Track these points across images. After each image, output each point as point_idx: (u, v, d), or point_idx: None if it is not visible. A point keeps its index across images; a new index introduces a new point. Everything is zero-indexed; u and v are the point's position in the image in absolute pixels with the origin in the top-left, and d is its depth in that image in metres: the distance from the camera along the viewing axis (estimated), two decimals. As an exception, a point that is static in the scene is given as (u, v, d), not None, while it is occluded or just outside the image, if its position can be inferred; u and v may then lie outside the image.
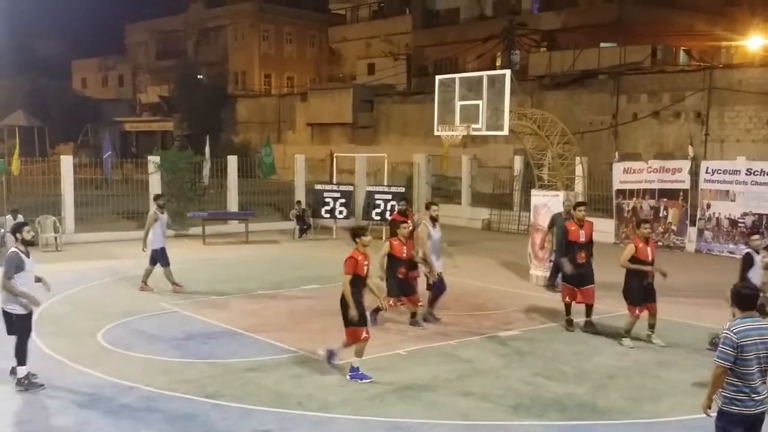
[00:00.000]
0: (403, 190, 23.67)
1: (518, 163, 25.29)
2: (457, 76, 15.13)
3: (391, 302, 11.21)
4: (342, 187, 24.13)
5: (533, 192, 16.05)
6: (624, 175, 21.75)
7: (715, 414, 5.85)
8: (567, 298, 11.79)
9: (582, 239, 11.63)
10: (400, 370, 9.55)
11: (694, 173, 20.55)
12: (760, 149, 25.84)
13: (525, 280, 15.81)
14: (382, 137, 41.10)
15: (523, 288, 15.17)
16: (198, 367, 9.70)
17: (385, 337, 11.18)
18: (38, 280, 9.45)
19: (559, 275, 12.53)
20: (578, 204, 12.30)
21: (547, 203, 15.35)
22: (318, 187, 24.39)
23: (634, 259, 10.64)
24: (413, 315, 11.84)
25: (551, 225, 14.47)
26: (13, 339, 9.00)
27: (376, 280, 9.71)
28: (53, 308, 13.03)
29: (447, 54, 42.98)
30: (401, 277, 11.32)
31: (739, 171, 19.72)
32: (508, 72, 14.34)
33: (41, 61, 62.58)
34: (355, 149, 34.90)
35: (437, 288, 12.09)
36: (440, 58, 44.05)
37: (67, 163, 22.13)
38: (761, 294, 6.76)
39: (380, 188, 23.88)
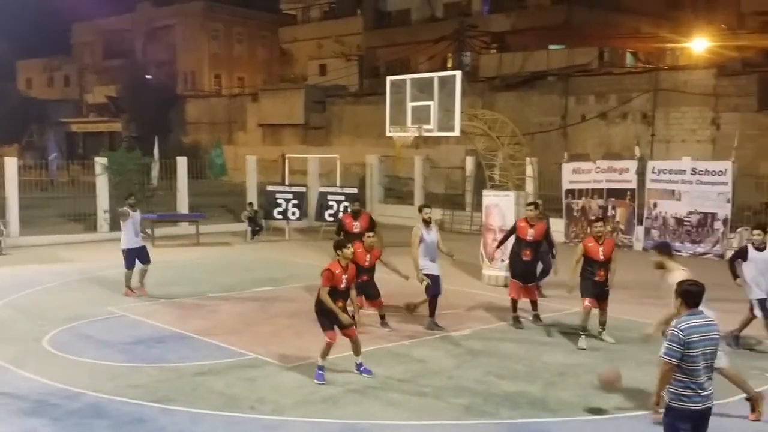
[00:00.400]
0: (356, 191, 23.63)
1: (470, 163, 25.46)
2: (408, 77, 15.15)
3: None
4: (294, 188, 23.98)
5: (485, 192, 16.15)
6: (573, 175, 22.05)
7: (663, 410, 5.95)
8: (513, 295, 11.99)
9: (529, 238, 11.90)
10: (354, 372, 9.51)
11: (641, 173, 20.92)
12: (705, 149, 26.48)
13: (477, 279, 15.91)
14: (334, 138, 41.02)
15: (475, 287, 15.26)
16: (147, 371, 9.53)
17: (339, 338, 11.11)
18: None
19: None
20: (528, 204, 12.47)
21: (498, 203, 15.47)
22: (270, 188, 24.20)
23: (585, 259, 10.80)
24: (382, 317, 11.73)
25: None
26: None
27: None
28: (-4, 314, 12.69)
29: (399, 55, 43.09)
30: (362, 282, 11.08)
31: (685, 171, 20.15)
32: (458, 73, 14.41)
33: (-17, 61, 61.02)
34: (307, 150, 34.75)
35: (432, 291, 11.80)
36: (392, 59, 44.14)
37: (11, 164, 21.57)
38: None
39: (333, 189, 23.81)
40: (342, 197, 22.86)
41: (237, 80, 60.47)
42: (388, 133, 15.32)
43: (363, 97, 40.97)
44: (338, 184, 24.35)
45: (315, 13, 55.08)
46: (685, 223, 20.00)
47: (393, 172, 28.45)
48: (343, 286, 9.07)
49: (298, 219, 23.62)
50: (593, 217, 14.18)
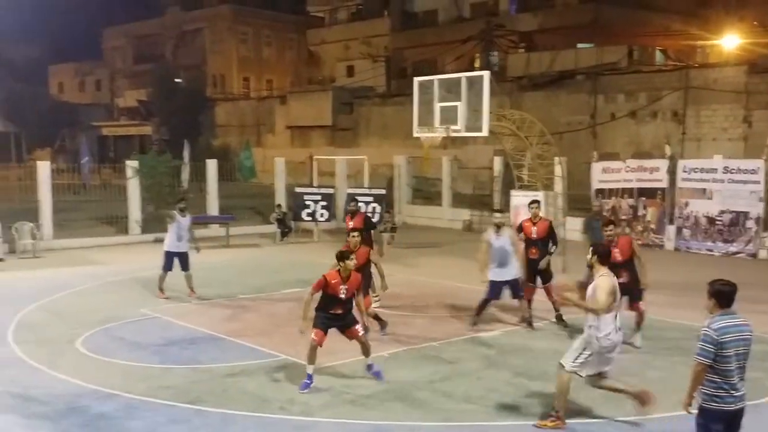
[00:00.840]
0: (383, 191, 23.68)
1: (498, 163, 25.37)
2: (436, 77, 15.17)
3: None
4: (322, 190, 24.08)
5: (513, 192, 16.11)
6: (603, 175, 21.89)
7: (696, 411, 5.89)
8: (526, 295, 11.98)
9: (534, 236, 11.92)
10: (383, 373, 9.52)
11: (672, 172, 20.72)
12: (736, 147, 26.11)
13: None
14: (362, 139, 41.09)
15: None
16: (179, 373, 9.63)
17: (368, 340, 11.15)
18: None
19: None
20: (531, 202, 12.50)
21: (527, 203, 15.39)
22: (298, 189, 24.31)
23: None
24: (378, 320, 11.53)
25: (587, 228, 14.25)
26: None
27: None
28: (31, 316, 12.91)
29: (426, 56, 43.05)
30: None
31: (716, 169, 19.91)
32: (486, 73, 14.40)
33: (17, 66, 62.01)
34: (335, 152, 34.86)
35: (485, 295, 11.73)
36: (419, 59, 44.11)
37: (44, 168, 21.91)
38: None
39: (361, 190, 23.84)
40: (370, 198, 22.90)
41: (265, 83, 60.83)
42: (415, 134, 15.34)
43: (390, 98, 40.98)
44: (366, 186, 24.40)
45: (342, 15, 55.19)
46: (717, 222, 19.75)
47: (421, 172, 28.44)
48: (342, 295, 8.97)
49: (327, 220, 23.70)
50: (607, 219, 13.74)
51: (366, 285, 11.51)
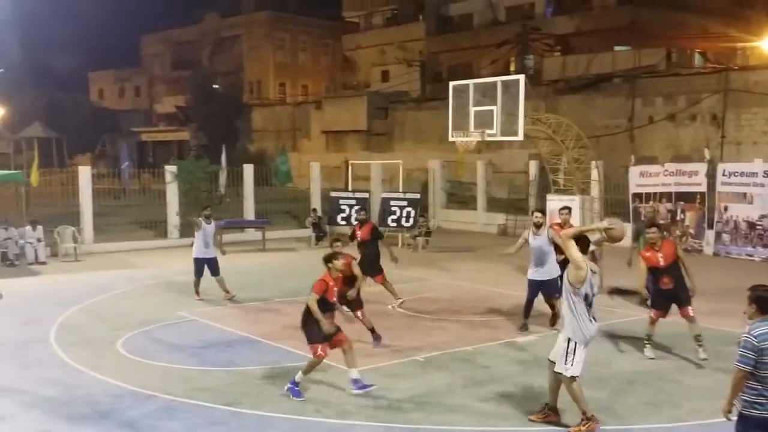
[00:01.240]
0: (418, 196, 23.71)
1: (533, 167, 25.24)
2: (471, 81, 15.18)
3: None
4: (357, 194, 24.18)
5: (549, 197, 16.02)
6: (640, 179, 21.65)
7: (736, 418, 5.81)
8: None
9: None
10: (417, 377, 9.55)
11: (711, 176, 20.42)
12: (778, 151, 25.67)
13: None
14: (396, 144, 41.15)
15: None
16: (216, 374, 9.75)
17: (402, 343, 11.19)
18: None
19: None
20: (562, 208, 12.34)
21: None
22: (333, 194, 24.45)
23: (648, 269, 10.37)
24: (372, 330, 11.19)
25: (637, 236, 13.67)
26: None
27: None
28: (73, 318, 13.17)
29: (461, 60, 43.02)
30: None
31: (756, 173, 19.58)
32: (522, 77, 14.37)
33: (58, 73, 63.46)
34: (369, 156, 34.97)
35: (526, 296, 11.75)
36: (454, 64, 44.10)
37: (85, 173, 22.32)
38: None
39: (395, 195, 23.92)
40: (405, 203, 22.96)
41: (301, 88, 61.22)
42: (450, 138, 15.35)
43: (425, 103, 41.01)
44: (401, 190, 24.43)
45: (377, 20, 55.37)
46: (758, 226, 19.42)
47: (455, 177, 28.39)
48: (334, 299, 9.00)
49: (361, 225, 23.75)
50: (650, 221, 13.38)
51: (375, 269, 11.92)
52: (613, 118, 31.22)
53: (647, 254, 10.39)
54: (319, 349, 8.72)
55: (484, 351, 10.84)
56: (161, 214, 23.53)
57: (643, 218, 21.37)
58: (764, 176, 19.37)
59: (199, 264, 14.48)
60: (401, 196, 23.59)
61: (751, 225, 19.55)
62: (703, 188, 20.46)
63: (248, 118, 53.53)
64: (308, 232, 23.76)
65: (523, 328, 11.79)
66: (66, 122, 54.14)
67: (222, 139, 39.34)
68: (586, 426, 7.65)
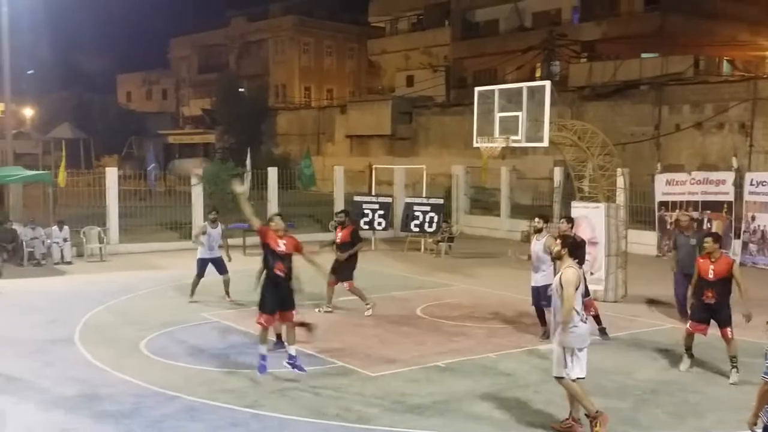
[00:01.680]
0: (441, 201, 23.67)
1: (558, 174, 25.10)
2: (496, 87, 15.07)
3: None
4: (381, 199, 24.19)
5: (574, 204, 15.88)
6: (667, 187, 21.45)
7: (760, 431, 5.74)
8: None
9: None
10: (438, 383, 9.53)
11: (739, 185, 20.19)
12: (807, 160, 25.34)
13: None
14: (420, 149, 41.14)
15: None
16: (238, 376, 9.80)
17: (423, 349, 11.18)
18: None
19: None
20: (564, 218, 12.34)
21: (588, 215, 15.19)
22: (357, 198, 24.48)
23: (698, 277, 10.09)
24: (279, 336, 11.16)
25: (675, 245, 13.19)
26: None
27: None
28: (97, 318, 13.29)
29: (486, 65, 42.92)
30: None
31: (785, 183, 19.33)
32: (548, 83, 14.25)
33: (87, 75, 64.18)
34: (393, 161, 34.97)
35: (537, 299, 11.61)
36: (479, 69, 44.01)
37: (111, 174, 22.54)
38: None
39: (419, 200, 23.90)
40: (428, 208, 22.92)
41: (326, 92, 61.48)
42: (475, 144, 15.27)
43: (450, 108, 40.96)
44: (424, 195, 24.41)
45: (403, 25, 55.40)
46: (787, 237, 19.16)
47: (479, 183, 28.33)
48: (280, 249, 9.79)
49: (384, 229, 23.80)
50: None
51: (347, 275, 12.85)
52: (640, 125, 30.98)
53: (701, 260, 10.14)
54: (261, 319, 9.70)
55: (506, 358, 10.79)
56: (186, 215, 23.69)
57: (674, 227, 21.21)
58: (793, 186, 19.11)
59: (203, 264, 14.65)
60: (425, 201, 23.57)
61: (779, 235, 19.29)
62: (731, 197, 20.23)
63: (273, 122, 53.80)
64: (332, 236, 23.74)
65: (545, 335, 11.68)
66: (94, 124, 54.80)
67: (247, 142, 39.63)
68: (597, 423, 7.61)
